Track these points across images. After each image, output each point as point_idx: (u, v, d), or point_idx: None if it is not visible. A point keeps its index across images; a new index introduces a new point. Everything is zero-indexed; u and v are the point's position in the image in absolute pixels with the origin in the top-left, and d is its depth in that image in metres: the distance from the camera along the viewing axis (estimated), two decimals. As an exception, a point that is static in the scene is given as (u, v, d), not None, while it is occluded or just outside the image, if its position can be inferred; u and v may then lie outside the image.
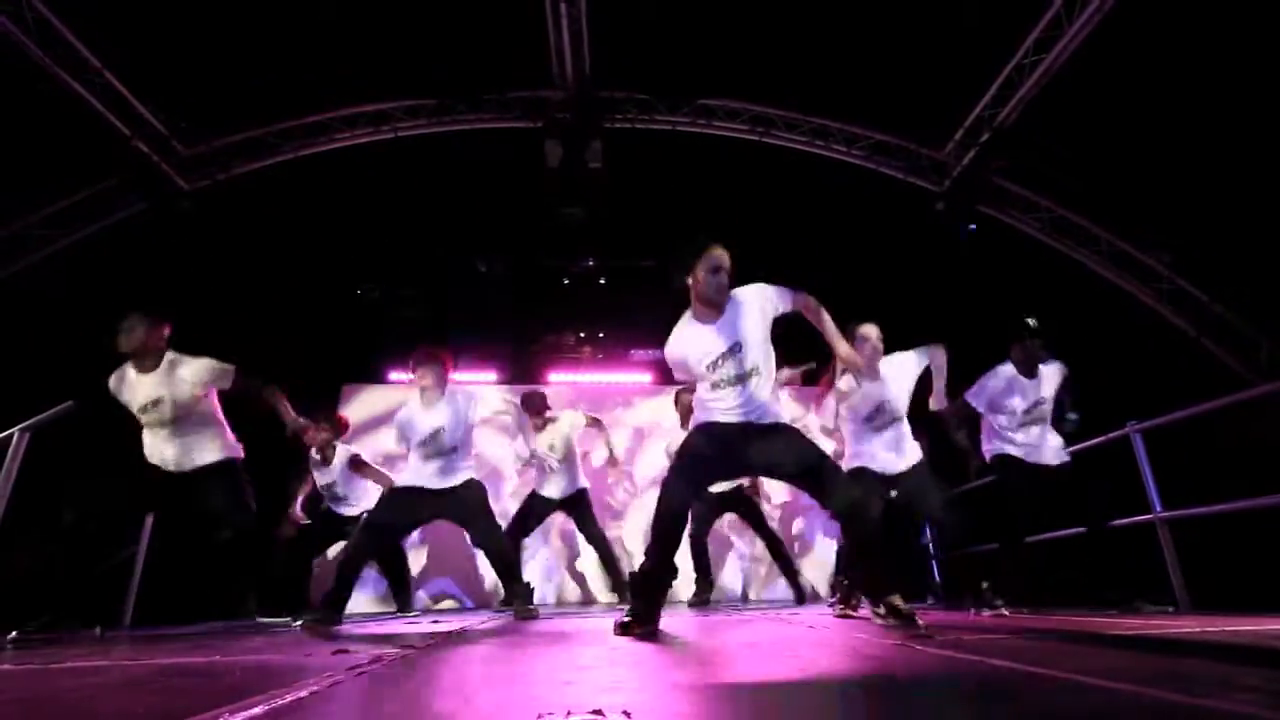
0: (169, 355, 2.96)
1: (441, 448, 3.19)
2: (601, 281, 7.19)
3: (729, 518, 4.94)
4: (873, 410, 3.09)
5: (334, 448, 4.33)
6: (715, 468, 2.39)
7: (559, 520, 5.23)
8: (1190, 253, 6.09)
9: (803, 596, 4.72)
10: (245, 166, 6.03)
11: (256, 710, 0.88)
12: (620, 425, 6.62)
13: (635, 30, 5.32)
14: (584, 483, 4.57)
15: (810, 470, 2.26)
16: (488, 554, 3.57)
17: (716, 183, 6.55)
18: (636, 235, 6.75)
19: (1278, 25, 4.27)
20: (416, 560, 5.98)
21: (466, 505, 3.21)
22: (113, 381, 2.96)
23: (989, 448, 3.37)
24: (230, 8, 4.84)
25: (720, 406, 2.33)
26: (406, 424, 3.26)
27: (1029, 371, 3.24)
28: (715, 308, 2.33)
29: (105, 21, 4.83)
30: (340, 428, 4.38)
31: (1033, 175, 6.26)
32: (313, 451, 4.33)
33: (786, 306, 2.42)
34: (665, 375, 7.58)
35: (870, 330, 3.07)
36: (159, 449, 2.93)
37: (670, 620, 3.02)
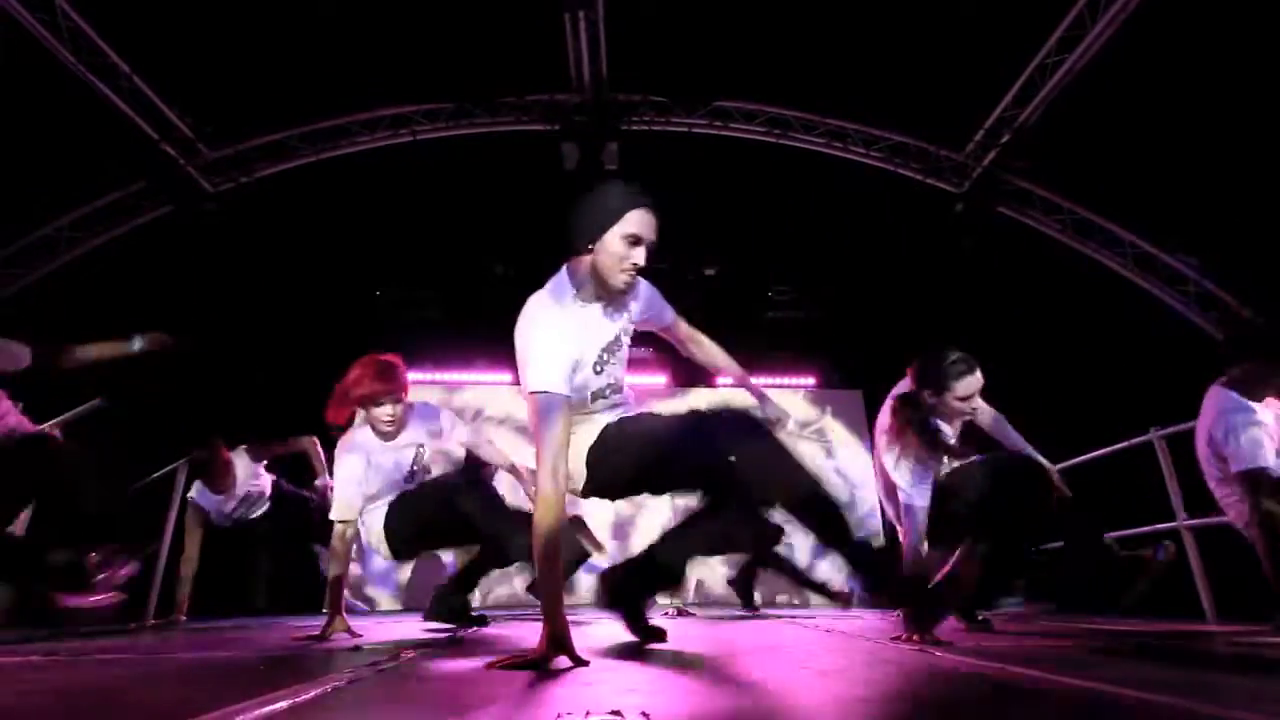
0: None
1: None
2: (617, 284, 7.22)
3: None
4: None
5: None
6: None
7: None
8: (1218, 255, 5.96)
9: (752, 604, 4.15)
10: (268, 169, 6.13)
11: (280, 705, 0.90)
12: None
13: (652, 33, 5.33)
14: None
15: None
16: None
17: (733, 185, 6.53)
18: (652, 238, 6.74)
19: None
20: (427, 560, 6.02)
21: None
22: None
23: None
24: (254, 13, 4.93)
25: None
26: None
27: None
28: (612, 293, 1.71)
29: (134, 27, 4.95)
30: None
31: (1055, 177, 6.17)
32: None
33: (662, 322, 1.91)
34: (679, 377, 7.54)
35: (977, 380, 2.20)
36: None
37: (680, 624, 3.02)
